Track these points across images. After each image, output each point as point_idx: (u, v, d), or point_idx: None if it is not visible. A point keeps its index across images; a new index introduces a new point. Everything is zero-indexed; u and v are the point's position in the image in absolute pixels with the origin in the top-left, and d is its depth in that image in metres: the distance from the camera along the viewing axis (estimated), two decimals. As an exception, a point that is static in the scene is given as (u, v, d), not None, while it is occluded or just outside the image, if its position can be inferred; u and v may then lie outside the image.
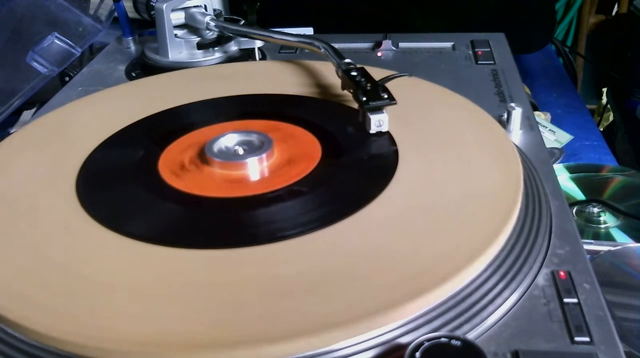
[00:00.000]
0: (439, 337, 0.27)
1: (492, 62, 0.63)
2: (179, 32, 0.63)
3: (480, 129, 0.45)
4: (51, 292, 0.31)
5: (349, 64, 0.49)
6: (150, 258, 0.33)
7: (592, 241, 0.49)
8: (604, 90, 1.18)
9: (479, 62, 0.63)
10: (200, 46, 0.62)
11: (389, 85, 0.45)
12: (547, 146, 0.48)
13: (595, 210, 0.59)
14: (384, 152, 0.42)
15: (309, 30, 0.74)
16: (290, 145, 0.43)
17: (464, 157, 0.41)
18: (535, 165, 0.43)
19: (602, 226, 0.57)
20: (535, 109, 0.71)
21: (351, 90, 0.46)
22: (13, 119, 0.73)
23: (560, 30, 1.26)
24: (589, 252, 0.47)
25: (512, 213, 0.35)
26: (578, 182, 0.63)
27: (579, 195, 0.61)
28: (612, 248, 0.48)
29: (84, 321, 0.29)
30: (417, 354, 0.26)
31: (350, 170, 0.41)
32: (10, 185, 0.41)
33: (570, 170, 0.65)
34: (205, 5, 0.63)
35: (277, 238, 0.34)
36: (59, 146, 0.46)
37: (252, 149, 0.42)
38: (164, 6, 0.60)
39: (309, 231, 0.34)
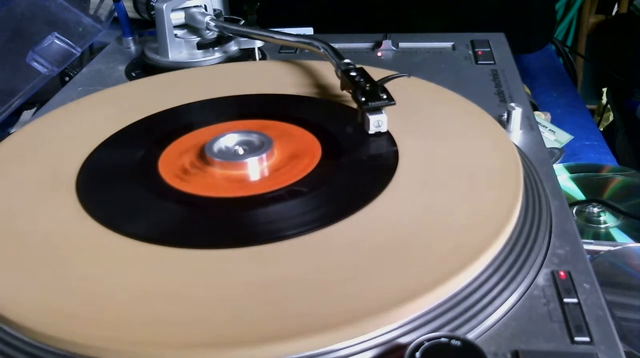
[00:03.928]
0: (439, 337, 0.27)
1: (492, 62, 0.63)
2: (179, 32, 0.63)
3: (481, 129, 0.45)
4: (51, 292, 0.31)
5: (348, 64, 0.49)
6: (150, 259, 0.33)
7: (592, 241, 0.49)
8: (604, 90, 1.18)
9: (479, 62, 0.63)
10: (200, 46, 0.62)
11: (388, 85, 0.45)
12: (547, 146, 0.48)
13: (595, 210, 0.58)
14: (384, 152, 0.42)
15: (309, 30, 0.74)
16: (290, 145, 0.43)
17: (464, 158, 0.41)
18: (535, 165, 0.43)
19: (602, 226, 0.57)
20: (535, 109, 0.71)
21: (350, 91, 0.46)
22: (13, 119, 0.73)
23: (560, 30, 1.26)
24: (589, 252, 0.47)
25: (512, 213, 0.35)
26: (578, 182, 0.63)
27: (579, 195, 0.61)
28: (612, 248, 0.48)
29: (84, 321, 0.29)
30: (417, 354, 0.26)
31: (350, 170, 0.41)
32: (10, 185, 0.41)
33: (570, 170, 0.65)
34: (205, 5, 0.63)
35: (277, 238, 0.34)
36: (59, 146, 0.46)
37: (252, 149, 0.42)
38: (164, 6, 0.60)
39: (309, 231, 0.34)
